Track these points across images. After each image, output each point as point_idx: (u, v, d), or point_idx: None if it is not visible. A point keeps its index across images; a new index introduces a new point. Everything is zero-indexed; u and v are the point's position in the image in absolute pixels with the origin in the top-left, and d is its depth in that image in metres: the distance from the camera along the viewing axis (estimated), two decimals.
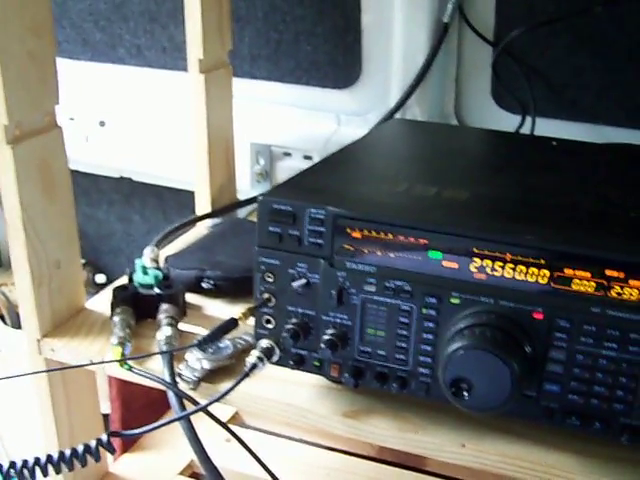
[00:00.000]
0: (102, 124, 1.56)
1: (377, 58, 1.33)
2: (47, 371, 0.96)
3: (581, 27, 1.20)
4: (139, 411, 1.22)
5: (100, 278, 1.78)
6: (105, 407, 1.21)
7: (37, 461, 0.68)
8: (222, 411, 1.26)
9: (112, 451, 0.72)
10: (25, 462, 0.68)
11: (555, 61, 1.24)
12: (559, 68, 1.24)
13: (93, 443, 0.70)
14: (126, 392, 1.21)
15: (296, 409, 0.83)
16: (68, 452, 0.69)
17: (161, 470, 1.18)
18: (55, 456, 0.69)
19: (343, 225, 0.74)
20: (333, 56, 1.36)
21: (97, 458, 0.71)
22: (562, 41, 1.22)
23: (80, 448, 0.70)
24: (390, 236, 0.73)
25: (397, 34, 1.29)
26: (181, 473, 1.17)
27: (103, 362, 0.90)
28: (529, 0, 1.21)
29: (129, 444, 1.23)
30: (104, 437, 0.71)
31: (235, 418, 1.29)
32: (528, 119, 1.26)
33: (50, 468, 0.69)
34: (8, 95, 0.86)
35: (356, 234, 0.74)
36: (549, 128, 1.24)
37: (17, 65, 0.87)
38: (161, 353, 0.87)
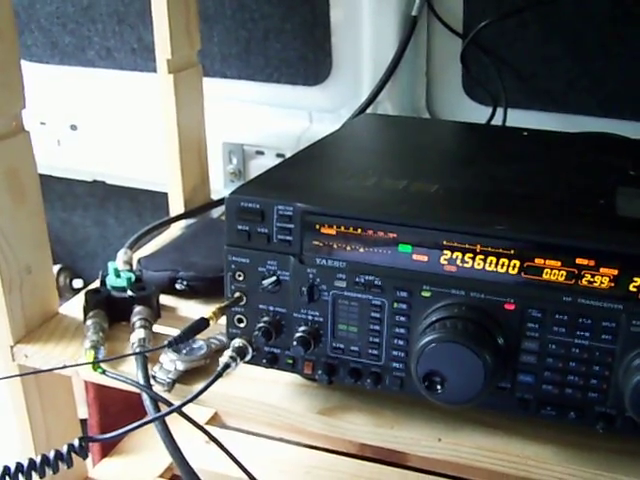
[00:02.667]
0: (73, 128, 1.55)
1: (347, 54, 1.33)
2: (19, 375, 0.95)
3: (549, 17, 1.20)
4: (117, 415, 1.21)
5: (77, 283, 1.77)
6: (83, 412, 1.20)
7: (6, 470, 0.67)
8: (201, 412, 1.26)
9: (85, 456, 0.71)
10: None
11: (524, 51, 1.24)
12: (529, 58, 1.24)
13: (65, 449, 0.70)
14: (103, 396, 1.20)
15: (271, 408, 0.83)
16: (38, 459, 0.68)
17: (141, 474, 1.18)
18: (25, 464, 0.68)
19: (311, 221, 0.74)
20: (303, 53, 1.35)
21: (69, 464, 0.70)
22: (531, 31, 1.22)
23: (51, 454, 0.69)
24: (359, 231, 0.73)
25: (366, 29, 1.29)
26: (161, 476, 1.17)
27: (76, 365, 0.89)
28: None
29: (108, 448, 1.22)
30: (76, 442, 0.70)
31: (215, 419, 1.28)
32: (500, 110, 1.26)
33: (21, 477, 0.68)
34: None
35: (325, 230, 0.74)
36: (521, 119, 1.24)
37: None
38: (133, 355, 0.86)
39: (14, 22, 0.90)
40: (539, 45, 1.23)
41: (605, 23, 1.18)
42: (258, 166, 1.41)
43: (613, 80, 1.21)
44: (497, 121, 1.27)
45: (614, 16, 1.18)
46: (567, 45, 1.21)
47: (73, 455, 0.71)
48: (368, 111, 1.31)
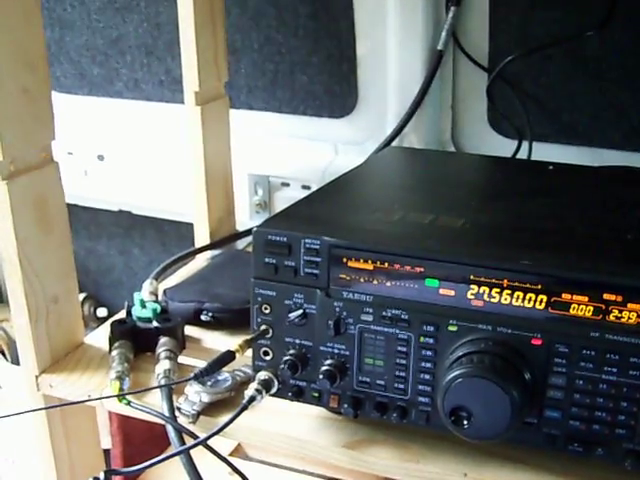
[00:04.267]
0: (101, 158, 1.57)
1: (373, 87, 1.34)
2: (44, 409, 0.95)
3: (574, 51, 1.20)
4: (141, 446, 1.21)
5: (101, 312, 1.77)
6: (106, 442, 1.20)
7: None
8: (224, 444, 1.25)
9: None
10: None
11: (550, 85, 1.24)
12: (554, 92, 1.24)
13: None
14: (127, 427, 1.20)
15: (296, 441, 0.83)
16: None
17: None
18: None
19: (338, 255, 0.74)
20: (329, 86, 1.36)
21: None
22: (556, 65, 1.22)
23: None
24: (386, 265, 0.73)
25: (392, 63, 1.29)
26: None
27: (101, 398, 0.89)
28: (522, 26, 1.22)
29: None
30: (101, 476, 0.70)
31: (238, 450, 1.28)
32: (525, 144, 1.26)
33: None
34: (2, 131, 0.87)
35: (352, 263, 0.74)
36: (546, 152, 1.25)
37: (12, 101, 0.87)
38: (158, 387, 0.86)
39: (46, 56, 0.91)
40: (564, 79, 1.23)
41: (628, 57, 1.18)
42: (284, 198, 1.42)
43: (637, 113, 1.20)
44: (522, 154, 1.27)
45: (637, 50, 1.18)
46: (591, 79, 1.21)
47: None
48: (394, 144, 1.31)
